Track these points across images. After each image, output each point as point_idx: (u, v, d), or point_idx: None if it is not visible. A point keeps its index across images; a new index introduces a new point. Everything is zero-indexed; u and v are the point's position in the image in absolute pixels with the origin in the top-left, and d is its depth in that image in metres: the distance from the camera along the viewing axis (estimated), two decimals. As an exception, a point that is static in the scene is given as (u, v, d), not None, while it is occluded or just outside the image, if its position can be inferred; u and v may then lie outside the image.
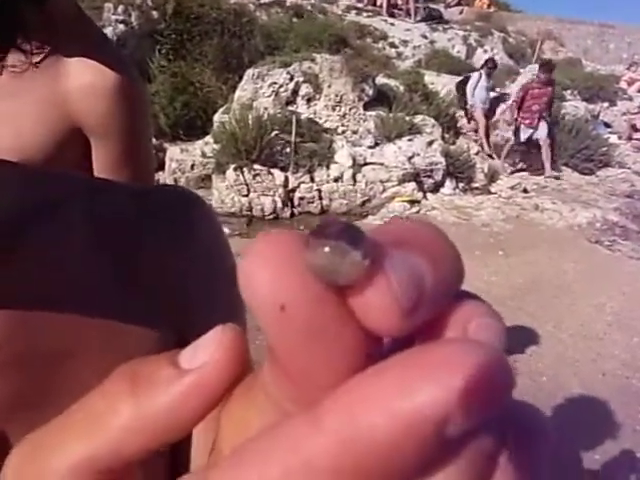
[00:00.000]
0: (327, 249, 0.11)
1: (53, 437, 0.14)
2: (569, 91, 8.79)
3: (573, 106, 8.09)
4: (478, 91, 7.16)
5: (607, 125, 8.56)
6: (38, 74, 0.84)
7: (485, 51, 10.31)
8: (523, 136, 6.82)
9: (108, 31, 6.17)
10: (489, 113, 7.26)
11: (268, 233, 0.12)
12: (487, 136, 7.10)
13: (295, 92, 6.07)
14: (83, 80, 0.83)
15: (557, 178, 6.58)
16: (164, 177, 5.53)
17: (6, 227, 0.30)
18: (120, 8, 6.76)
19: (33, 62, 0.83)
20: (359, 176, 5.64)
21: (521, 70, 9.42)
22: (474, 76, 7.30)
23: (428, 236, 0.12)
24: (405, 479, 0.10)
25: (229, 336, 0.13)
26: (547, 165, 6.72)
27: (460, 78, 7.52)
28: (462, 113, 7.30)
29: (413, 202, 5.54)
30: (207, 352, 0.13)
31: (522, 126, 6.81)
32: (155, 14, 7.10)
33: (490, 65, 7.41)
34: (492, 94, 7.46)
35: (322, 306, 0.11)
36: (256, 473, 0.10)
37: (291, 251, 0.11)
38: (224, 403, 0.13)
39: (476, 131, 7.21)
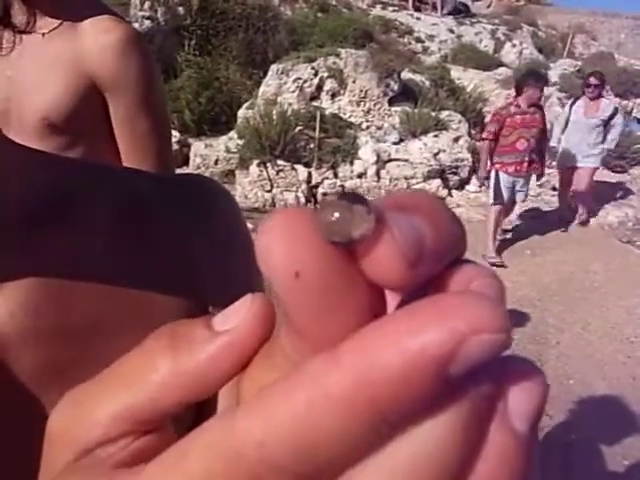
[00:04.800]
0: (336, 208, 0.12)
1: (96, 389, 0.15)
2: (601, 86, 8.54)
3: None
4: None
5: (640, 121, 8.30)
6: (55, 40, 0.93)
7: (514, 45, 10.10)
8: (505, 193, 4.28)
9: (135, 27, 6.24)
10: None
11: (282, 209, 0.13)
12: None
13: (319, 87, 6.04)
14: (91, 39, 0.92)
15: (496, 265, 4.13)
16: (188, 172, 5.57)
17: (39, 206, 0.32)
18: (147, 4, 6.83)
19: (44, 31, 0.92)
20: (383, 172, 5.59)
21: (551, 65, 9.19)
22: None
23: (427, 202, 0.13)
24: (414, 414, 0.11)
25: (258, 303, 0.14)
26: (490, 244, 4.30)
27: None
28: (488, 108, 7.15)
29: (438, 199, 5.47)
30: (239, 316, 0.14)
31: (501, 175, 4.30)
32: (181, 10, 7.15)
33: None
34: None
35: (333, 270, 0.12)
36: (282, 405, 0.11)
37: (303, 223, 0.12)
38: (244, 369, 0.14)
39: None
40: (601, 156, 5.03)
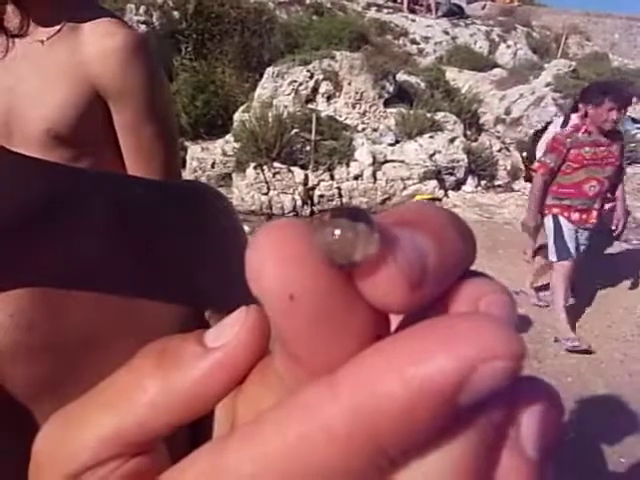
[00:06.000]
0: (337, 226, 0.11)
1: (83, 411, 0.14)
2: (595, 86, 8.58)
3: (599, 101, 7.91)
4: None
5: (635, 121, 8.34)
6: (56, 47, 0.90)
7: (508, 46, 10.15)
8: (571, 243, 3.10)
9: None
10: None
11: (272, 223, 0.12)
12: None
13: (315, 90, 6.05)
14: (94, 46, 0.89)
15: (580, 352, 3.09)
16: (185, 175, 5.57)
17: (35, 214, 0.32)
18: (142, 9, 6.84)
19: (43, 38, 0.89)
20: (379, 174, 5.60)
21: (545, 65, 9.24)
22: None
23: (432, 217, 0.12)
24: (417, 447, 0.10)
25: (252, 317, 0.13)
26: (562, 321, 3.18)
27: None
28: (483, 109, 7.17)
29: (434, 200, 5.49)
30: (232, 331, 0.13)
31: (562, 221, 3.11)
32: (176, 14, 7.16)
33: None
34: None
35: (331, 293, 0.11)
36: (274, 437, 0.11)
37: (298, 238, 0.11)
38: (240, 386, 0.14)
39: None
40: None
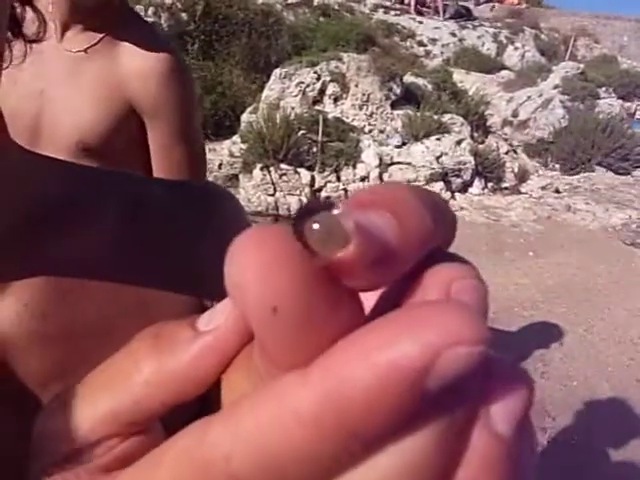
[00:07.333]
0: (316, 222, 0.11)
1: (82, 391, 0.15)
2: (604, 89, 8.54)
3: (608, 104, 7.87)
4: None
5: (644, 123, 8.30)
6: (95, 58, 0.90)
7: (516, 48, 10.12)
8: None
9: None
10: None
11: (250, 231, 0.12)
12: None
13: (322, 91, 6.06)
14: (135, 64, 0.89)
15: None
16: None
17: (48, 213, 0.33)
18: (150, 10, 6.87)
19: (81, 48, 0.89)
20: (386, 176, 5.60)
21: (553, 67, 9.21)
22: None
23: (394, 196, 0.12)
24: (386, 434, 0.11)
25: None
26: None
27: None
28: (491, 111, 7.16)
29: (440, 202, 5.47)
30: (222, 317, 0.14)
31: None
32: (184, 16, 7.20)
33: None
34: None
35: (312, 300, 0.11)
36: (248, 418, 0.11)
37: (278, 248, 0.11)
38: (227, 369, 0.14)
39: None
40: None
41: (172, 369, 0.14)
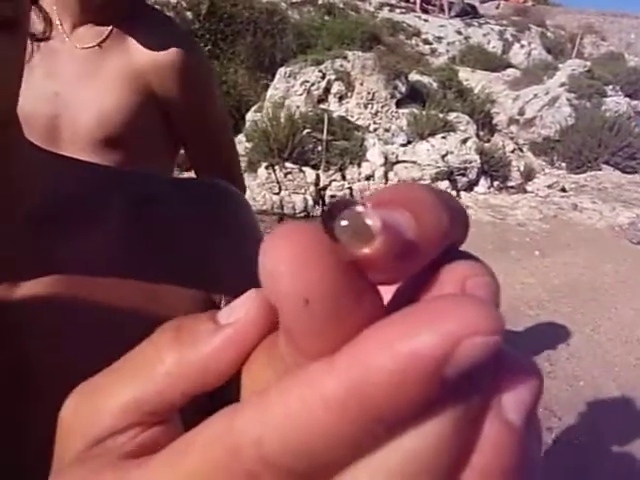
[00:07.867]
0: (344, 219, 0.12)
1: (106, 381, 0.16)
2: (611, 86, 8.48)
3: (615, 102, 7.81)
4: None
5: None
6: (109, 51, 0.89)
7: (522, 46, 10.07)
8: None
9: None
10: None
11: (283, 226, 0.12)
12: None
13: (327, 90, 6.05)
14: (151, 56, 0.88)
15: None
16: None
17: (57, 212, 0.34)
18: (156, 9, 6.88)
19: (94, 43, 0.89)
20: (391, 174, 5.59)
21: (560, 65, 9.16)
22: None
23: (414, 196, 0.13)
24: (408, 418, 0.11)
25: (262, 297, 0.14)
26: None
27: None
28: (497, 110, 7.12)
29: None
30: (242, 310, 0.14)
31: None
32: (189, 15, 7.21)
33: None
34: None
35: (341, 292, 0.12)
36: (277, 404, 0.12)
37: (309, 242, 0.12)
38: (248, 360, 0.15)
39: None
40: None
41: (193, 361, 0.14)
